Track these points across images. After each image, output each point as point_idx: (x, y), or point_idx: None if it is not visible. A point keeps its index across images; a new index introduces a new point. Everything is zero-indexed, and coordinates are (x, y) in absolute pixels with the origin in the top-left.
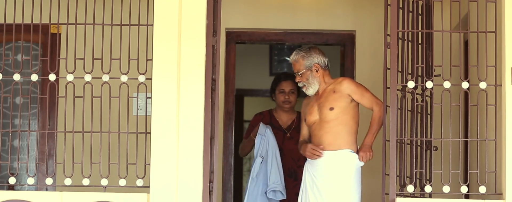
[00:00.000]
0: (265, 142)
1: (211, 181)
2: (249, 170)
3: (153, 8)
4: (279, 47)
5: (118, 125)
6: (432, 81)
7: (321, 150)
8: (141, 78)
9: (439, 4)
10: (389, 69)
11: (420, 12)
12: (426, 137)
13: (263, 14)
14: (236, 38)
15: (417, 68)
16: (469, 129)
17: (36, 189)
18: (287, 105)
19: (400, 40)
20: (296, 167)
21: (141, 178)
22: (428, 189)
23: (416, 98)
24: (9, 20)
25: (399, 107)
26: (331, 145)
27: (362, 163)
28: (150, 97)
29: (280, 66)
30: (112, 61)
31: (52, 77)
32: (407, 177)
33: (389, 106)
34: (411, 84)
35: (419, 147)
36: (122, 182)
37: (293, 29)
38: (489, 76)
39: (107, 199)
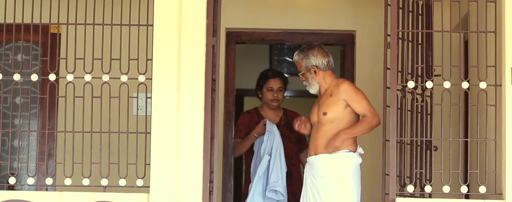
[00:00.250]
0: (272, 139)
1: (211, 181)
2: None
3: (153, 8)
4: (279, 47)
5: (118, 125)
6: (432, 81)
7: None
8: (141, 78)
9: (439, 4)
10: (389, 69)
11: (420, 12)
12: (426, 137)
13: (263, 14)
14: (236, 38)
15: (417, 68)
16: (469, 129)
17: (36, 189)
18: (275, 103)
19: (400, 40)
20: (290, 165)
21: (141, 178)
22: (428, 189)
23: (416, 98)
24: (9, 20)
25: (399, 107)
26: (328, 147)
27: (360, 161)
28: (150, 97)
29: (280, 66)
30: (112, 61)
31: (52, 77)
32: (407, 177)
33: (389, 106)
34: (411, 84)
35: (419, 147)
36: (122, 182)
37: (293, 29)
38: (489, 76)
39: (107, 199)
